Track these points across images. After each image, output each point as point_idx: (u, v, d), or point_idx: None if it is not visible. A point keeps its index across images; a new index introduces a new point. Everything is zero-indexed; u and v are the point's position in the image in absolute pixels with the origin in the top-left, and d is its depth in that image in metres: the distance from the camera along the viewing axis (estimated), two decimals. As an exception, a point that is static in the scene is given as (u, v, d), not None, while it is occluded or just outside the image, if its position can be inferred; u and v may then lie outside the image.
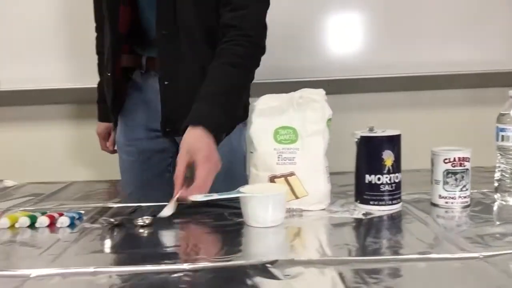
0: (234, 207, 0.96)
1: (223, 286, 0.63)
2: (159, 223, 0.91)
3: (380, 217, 0.92)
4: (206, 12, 1.22)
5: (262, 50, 1.18)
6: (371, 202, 0.96)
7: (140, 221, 0.90)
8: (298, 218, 0.93)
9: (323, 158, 0.97)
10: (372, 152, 0.95)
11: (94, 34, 1.49)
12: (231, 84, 1.12)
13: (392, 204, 0.96)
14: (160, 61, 1.27)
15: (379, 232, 0.84)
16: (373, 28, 1.82)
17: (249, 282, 0.63)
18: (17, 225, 0.91)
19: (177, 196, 0.92)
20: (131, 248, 0.80)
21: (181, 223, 0.92)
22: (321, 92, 0.98)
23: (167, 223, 0.91)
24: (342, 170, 1.15)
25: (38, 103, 1.91)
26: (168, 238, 0.84)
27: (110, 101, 1.38)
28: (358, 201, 0.98)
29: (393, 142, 0.95)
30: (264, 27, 1.19)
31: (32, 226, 0.92)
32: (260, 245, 0.81)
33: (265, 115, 0.98)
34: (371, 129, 0.97)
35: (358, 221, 0.90)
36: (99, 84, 1.49)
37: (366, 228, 0.85)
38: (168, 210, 0.91)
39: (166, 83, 1.26)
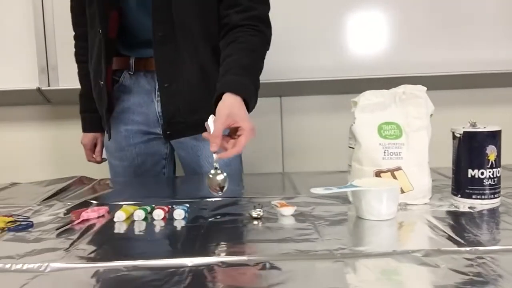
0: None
1: (388, 272, 0.65)
2: (267, 216, 0.93)
3: (484, 210, 0.94)
4: (205, 12, 1.23)
5: (269, 46, 1.24)
6: (473, 196, 0.98)
7: (254, 214, 0.92)
8: (403, 211, 0.95)
9: (427, 153, 0.99)
10: (476, 147, 0.97)
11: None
12: (255, 65, 1.16)
13: (494, 198, 0.98)
14: (158, 64, 1.25)
15: (499, 223, 0.86)
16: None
17: (411, 269, 0.65)
18: (136, 218, 0.93)
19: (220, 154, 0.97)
20: (267, 238, 0.81)
21: (292, 216, 0.93)
22: (422, 88, 1.00)
23: (276, 215, 0.94)
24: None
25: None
26: (292, 230, 0.84)
27: (105, 110, 1.35)
28: (459, 195, 1.00)
29: (496, 137, 0.97)
30: (271, 28, 1.24)
31: (145, 219, 0.94)
32: (385, 236, 0.83)
33: (368, 111, 1.00)
34: (473, 125, 0.99)
35: (468, 214, 0.91)
36: (82, 94, 1.46)
37: (481, 220, 0.87)
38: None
39: (166, 85, 1.25)
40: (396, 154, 0.97)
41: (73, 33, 1.46)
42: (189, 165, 1.40)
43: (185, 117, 1.29)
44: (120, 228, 0.90)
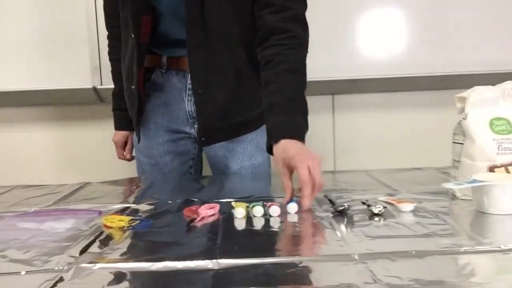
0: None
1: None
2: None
3: None
4: (239, 15, 1.20)
5: (307, 49, 1.17)
6: None
7: (375, 210, 0.93)
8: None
9: (537, 148, 1.00)
10: None
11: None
12: (299, 89, 1.11)
13: None
14: (192, 70, 1.23)
15: None
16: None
17: None
18: (257, 214, 0.93)
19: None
20: (406, 234, 0.81)
21: (410, 212, 0.94)
22: (531, 84, 1.01)
23: (390, 211, 0.94)
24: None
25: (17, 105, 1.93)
26: (426, 225, 0.84)
27: (134, 114, 1.34)
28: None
29: None
30: (307, 27, 1.17)
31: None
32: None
33: (479, 106, 1.00)
34: None
35: None
36: (115, 92, 1.46)
37: None
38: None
39: (199, 91, 1.24)
40: (510, 149, 0.98)
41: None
42: (216, 165, 1.39)
43: (219, 123, 1.28)
44: (241, 224, 0.89)
